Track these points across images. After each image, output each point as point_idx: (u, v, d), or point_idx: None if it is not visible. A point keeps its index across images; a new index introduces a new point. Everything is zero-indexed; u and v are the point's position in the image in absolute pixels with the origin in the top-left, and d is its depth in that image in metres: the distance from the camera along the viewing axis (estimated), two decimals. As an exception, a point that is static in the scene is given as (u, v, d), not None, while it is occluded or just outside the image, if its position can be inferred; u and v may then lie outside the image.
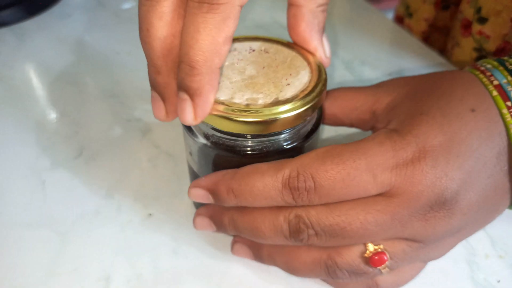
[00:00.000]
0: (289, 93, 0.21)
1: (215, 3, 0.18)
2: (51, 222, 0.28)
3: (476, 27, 0.39)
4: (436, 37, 0.48)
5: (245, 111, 0.20)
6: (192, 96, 0.19)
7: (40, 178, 0.31)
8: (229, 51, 0.22)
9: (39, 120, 0.36)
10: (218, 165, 0.23)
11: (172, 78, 0.20)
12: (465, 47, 0.41)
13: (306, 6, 0.23)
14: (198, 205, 0.27)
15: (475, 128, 0.21)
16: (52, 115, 0.36)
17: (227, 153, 0.22)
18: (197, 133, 0.23)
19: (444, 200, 0.20)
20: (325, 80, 0.22)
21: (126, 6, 0.51)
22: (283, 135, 0.21)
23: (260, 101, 0.20)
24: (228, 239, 0.27)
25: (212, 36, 0.18)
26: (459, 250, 0.27)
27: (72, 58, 0.43)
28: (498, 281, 0.26)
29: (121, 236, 0.27)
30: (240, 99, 0.21)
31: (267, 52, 0.24)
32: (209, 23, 0.18)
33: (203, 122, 0.21)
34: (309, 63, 0.23)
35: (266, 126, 0.20)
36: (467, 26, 0.40)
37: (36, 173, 0.31)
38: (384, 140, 0.21)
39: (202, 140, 0.22)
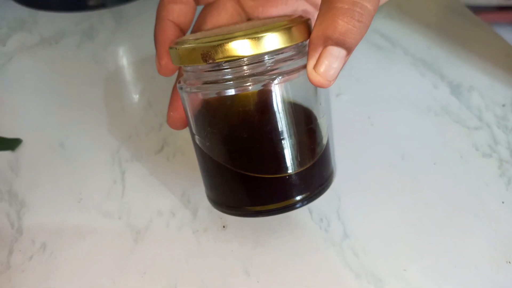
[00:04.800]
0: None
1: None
2: (128, 216, 0.28)
3: None
4: None
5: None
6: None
7: (120, 168, 0.31)
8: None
9: (126, 106, 0.36)
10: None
11: None
12: None
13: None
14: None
15: None
16: (140, 104, 0.36)
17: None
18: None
19: None
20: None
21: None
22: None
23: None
24: (313, 271, 0.25)
25: None
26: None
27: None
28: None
29: (194, 245, 0.26)
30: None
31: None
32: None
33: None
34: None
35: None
36: None
37: (118, 163, 0.31)
38: None
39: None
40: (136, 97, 0.37)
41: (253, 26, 0.22)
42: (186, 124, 0.26)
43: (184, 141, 0.33)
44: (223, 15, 0.26)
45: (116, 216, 0.28)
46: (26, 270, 0.25)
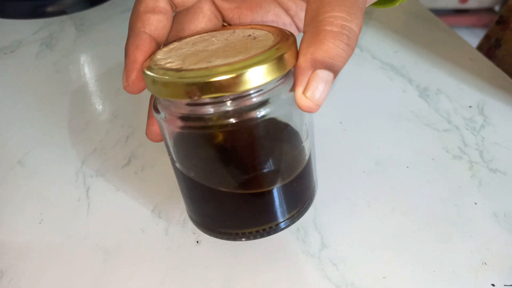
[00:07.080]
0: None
1: None
2: (94, 236, 0.26)
3: None
4: None
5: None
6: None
7: (84, 185, 0.29)
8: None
9: (90, 118, 0.34)
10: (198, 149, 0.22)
11: None
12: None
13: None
14: None
15: None
16: (105, 115, 0.34)
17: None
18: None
19: None
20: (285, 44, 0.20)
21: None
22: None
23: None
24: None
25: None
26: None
27: (129, 55, 0.41)
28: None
29: (167, 263, 0.25)
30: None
31: (253, 37, 0.21)
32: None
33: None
34: (275, 40, 0.20)
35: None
36: None
37: (81, 179, 0.29)
38: None
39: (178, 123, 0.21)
40: (100, 108, 0.35)
41: (236, 49, 0.20)
42: None
43: (153, 153, 0.31)
44: (201, 19, 0.25)
45: (81, 236, 0.26)
46: (-18, 301, 0.23)
